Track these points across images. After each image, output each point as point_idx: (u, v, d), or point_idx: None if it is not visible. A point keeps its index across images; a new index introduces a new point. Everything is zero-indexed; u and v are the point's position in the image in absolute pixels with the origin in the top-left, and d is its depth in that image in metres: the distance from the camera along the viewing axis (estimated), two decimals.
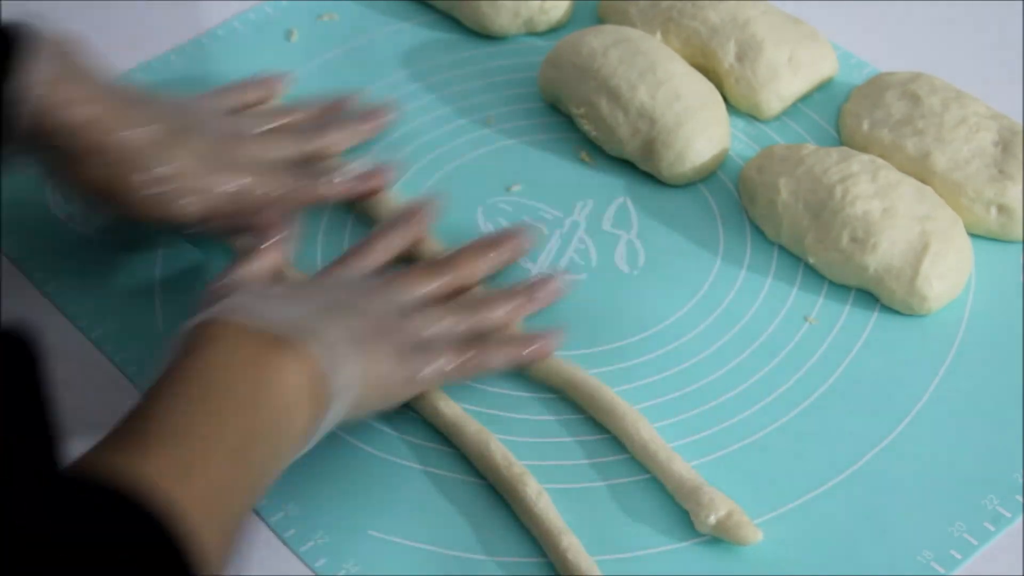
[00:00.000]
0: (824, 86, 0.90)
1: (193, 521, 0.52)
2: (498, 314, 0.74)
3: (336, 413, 0.64)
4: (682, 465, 0.68)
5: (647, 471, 0.69)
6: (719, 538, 0.66)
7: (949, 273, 0.75)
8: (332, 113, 0.86)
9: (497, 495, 0.68)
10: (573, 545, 0.65)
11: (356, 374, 0.64)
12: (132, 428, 0.57)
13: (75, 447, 0.72)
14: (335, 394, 0.63)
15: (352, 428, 0.72)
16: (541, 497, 0.67)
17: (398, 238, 0.77)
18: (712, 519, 0.65)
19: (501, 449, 0.69)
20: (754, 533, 0.65)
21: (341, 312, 0.67)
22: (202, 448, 0.56)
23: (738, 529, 0.65)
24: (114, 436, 0.57)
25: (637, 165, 0.85)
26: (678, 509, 0.67)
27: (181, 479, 0.54)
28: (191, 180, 0.75)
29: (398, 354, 0.68)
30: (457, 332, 0.72)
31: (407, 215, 0.78)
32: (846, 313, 0.77)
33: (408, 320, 0.70)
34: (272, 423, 0.60)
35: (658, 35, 0.90)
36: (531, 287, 0.76)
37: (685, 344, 0.75)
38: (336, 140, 0.84)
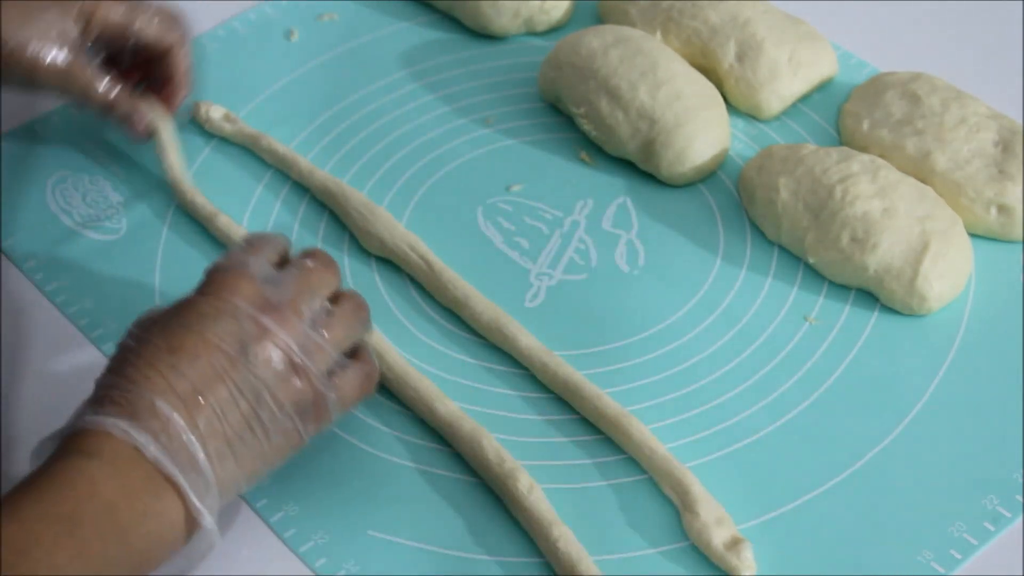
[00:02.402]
0: (824, 86, 0.90)
1: None
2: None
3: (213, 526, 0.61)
4: (677, 466, 0.68)
5: (645, 471, 0.69)
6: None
7: (949, 273, 0.75)
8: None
9: (495, 494, 0.68)
10: (564, 535, 0.65)
11: (245, 476, 0.62)
12: None
13: None
14: (214, 515, 0.60)
15: (351, 428, 0.72)
16: (532, 491, 0.67)
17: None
18: (716, 542, 0.65)
19: (494, 446, 0.69)
20: (748, 572, 0.65)
21: (241, 429, 0.62)
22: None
23: (732, 563, 0.65)
24: None
25: (637, 165, 0.85)
26: (677, 510, 0.67)
27: None
28: None
29: (300, 413, 0.64)
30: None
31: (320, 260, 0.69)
32: (846, 313, 0.77)
33: (313, 356, 0.64)
34: (140, 553, 0.58)
35: (658, 35, 0.90)
36: None
37: (685, 344, 0.75)
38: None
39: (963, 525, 0.67)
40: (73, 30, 0.80)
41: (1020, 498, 0.68)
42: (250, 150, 0.87)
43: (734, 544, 0.65)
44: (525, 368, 0.74)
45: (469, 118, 0.89)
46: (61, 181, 0.86)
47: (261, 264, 0.65)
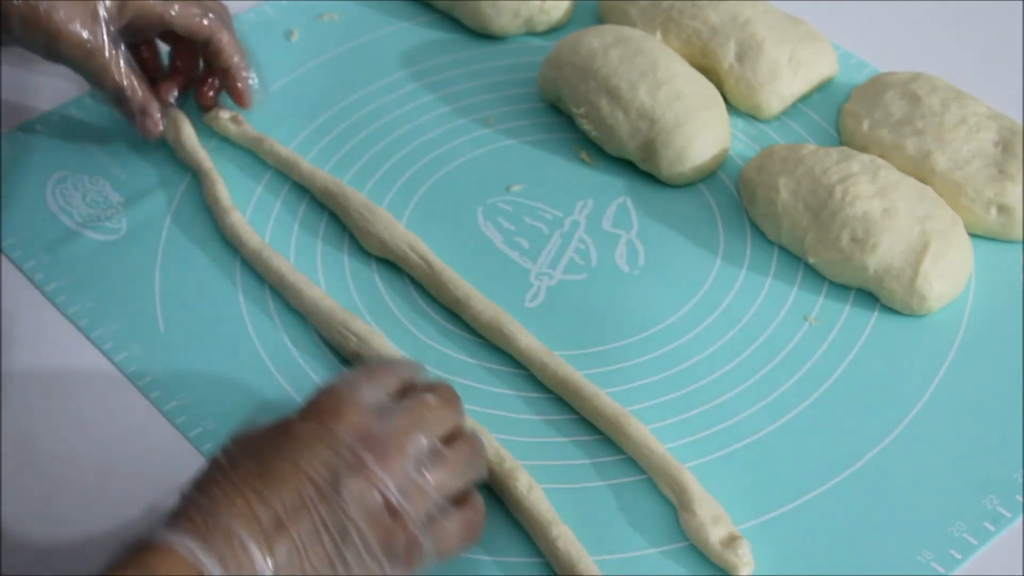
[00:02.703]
0: (824, 86, 0.90)
1: None
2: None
3: None
4: (675, 466, 0.68)
5: (644, 471, 0.69)
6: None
7: (949, 273, 0.75)
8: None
9: (495, 494, 0.68)
10: (563, 534, 0.65)
11: None
12: None
13: (74, 446, 0.72)
14: None
15: None
16: (532, 490, 0.67)
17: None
18: (713, 540, 0.65)
19: (494, 445, 0.69)
20: (745, 569, 0.65)
21: None
22: None
23: (729, 560, 0.65)
24: None
25: (637, 165, 0.85)
26: (675, 509, 0.67)
27: None
28: None
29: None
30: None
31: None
32: (846, 313, 0.77)
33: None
34: None
35: (658, 35, 0.90)
36: None
37: (685, 344, 0.75)
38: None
39: (963, 525, 0.67)
40: (107, 5, 0.80)
41: (1020, 498, 0.68)
42: (250, 151, 0.87)
43: (731, 541, 0.65)
44: (524, 368, 0.74)
45: (469, 118, 0.89)
46: (61, 181, 0.86)
47: (375, 392, 0.62)
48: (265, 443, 0.60)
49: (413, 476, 0.60)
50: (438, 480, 0.61)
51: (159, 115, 0.84)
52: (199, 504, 0.57)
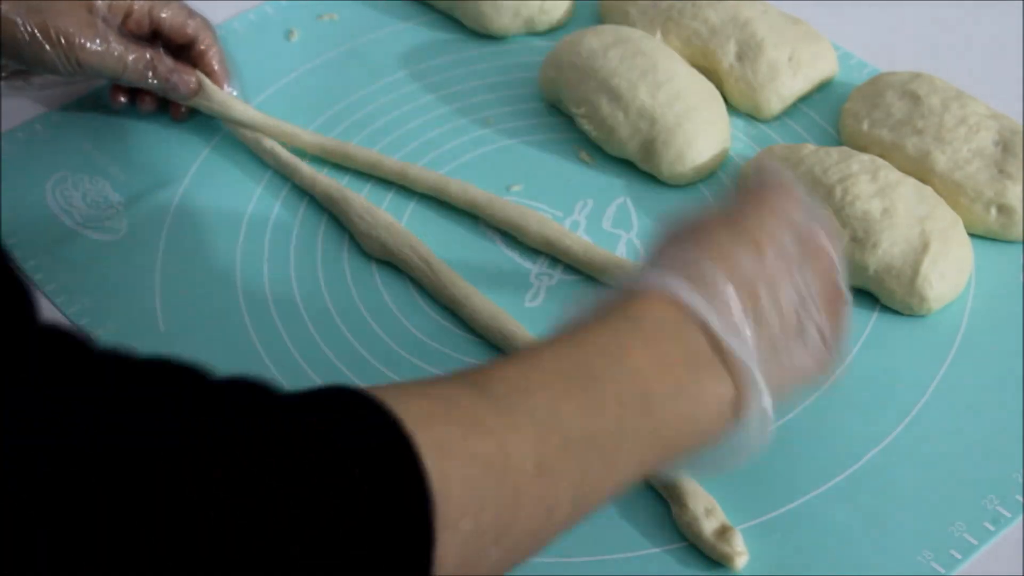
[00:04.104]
0: (824, 86, 0.90)
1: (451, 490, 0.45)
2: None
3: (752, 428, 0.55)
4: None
5: None
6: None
7: (949, 273, 0.75)
8: None
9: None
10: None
11: (775, 389, 0.56)
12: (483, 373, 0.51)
13: None
14: (756, 413, 0.55)
15: None
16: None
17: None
18: (707, 532, 0.65)
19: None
20: (740, 559, 0.65)
21: (781, 340, 0.57)
22: (547, 425, 0.49)
23: (723, 551, 0.65)
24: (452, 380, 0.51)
25: (637, 165, 0.85)
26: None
27: (478, 439, 0.47)
28: None
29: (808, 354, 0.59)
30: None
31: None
32: None
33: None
34: (666, 429, 0.53)
35: (658, 35, 0.90)
36: None
37: None
38: None
39: (963, 525, 0.67)
40: (100, 6, 0.81)
41: (1020, 498, 0.68)
42: (250, 151, 0.87)
43: (723, 532, 0.65)
44: None
45: (469, 118, 0.89)
46: (61, 181, 0.86)
47: (799, 186, 0.61)
48: (723, 221, 0.58)
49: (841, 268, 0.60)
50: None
51: (191, 77, 0.85)
52: (679, 256, 0.56)
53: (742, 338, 0.54)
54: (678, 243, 0.57)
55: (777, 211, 0.59)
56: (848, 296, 0.60)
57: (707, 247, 0.56)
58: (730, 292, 0.55)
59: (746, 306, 0.55)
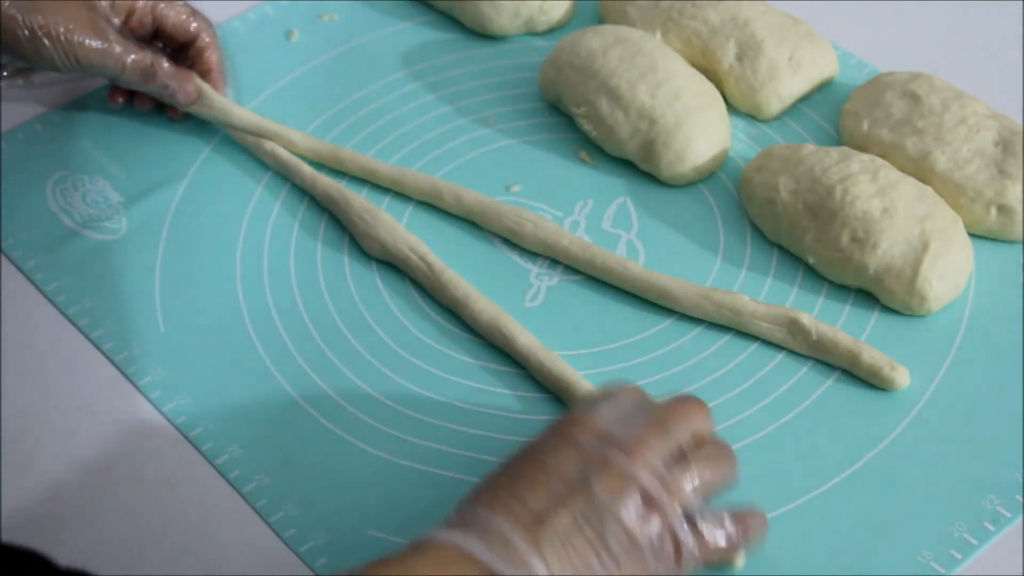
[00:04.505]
0: (824, 86, 0.90)
1: None
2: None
3: None
4: None
5: None
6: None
7: (949, 273, 0.75)
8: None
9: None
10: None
11: None
12: None
13: (76, 441, 0.72)
14: None
15: (351, 427, 0.72)
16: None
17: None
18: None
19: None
20: (739, 558, 0.65)
21: None
22: None
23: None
24: None
25: (637, 165, 0.85)
26: None
27: None
28: None
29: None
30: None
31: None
32: (846, 313, 0.77)
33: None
34: None
35: (658, 35, 0.90)
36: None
37: (685, 344, 0.75)
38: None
39: (963, 525, 0.67)
40: (102, 6, 0.81)
41: (1020, 498, 0.68)
42: (250, 151, 0.87)
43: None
44: (524, 368, 0.74)
45: (469, 118, 0.89)
46: (61, 181, 0.86)
47: (611, 406, 0.62)
48: (514, 455, 0.61)
49: (662, 471, 0.60)
50: (690, 477, 0.60)
51: (190, 85, 0.85)
52: (464, 510, 0.59)
53: (531, 566, 0.56)
54: (470, 504, 0.59)
55: (564, 437, 0.60)
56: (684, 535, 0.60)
57: (495, 491, 0.59)
58: (514, 537, 0.57)
59: (536, 544, 0.56)
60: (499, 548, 0.56)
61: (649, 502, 0.59)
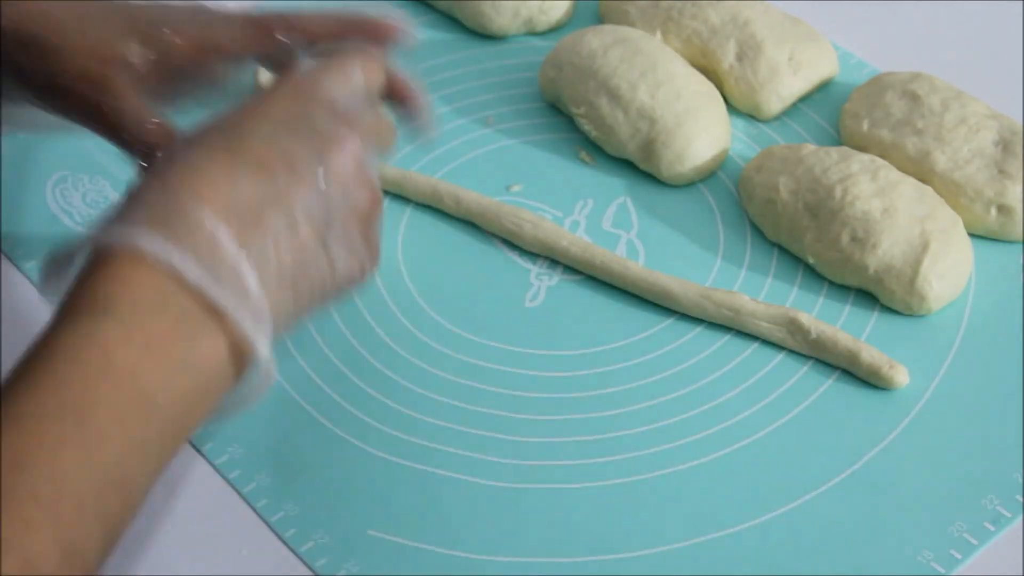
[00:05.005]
0: (824, 86, 0.90)
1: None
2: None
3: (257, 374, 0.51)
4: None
5: (644, 471, 0.69)
6: (718, 537, 0.66)
7: (949, 273, 0.75)
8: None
9: (497, 494, 0.68)
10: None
11: (304, 308, 0.54)
12: None
13: None
14: (258, 362, 0.51)
15: (352, 427, 0.72)
16: None
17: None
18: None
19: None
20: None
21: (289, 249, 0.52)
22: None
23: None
24: None
25: (637, 165, 0.85)
26: (679, 509, 0.67)
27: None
28: None
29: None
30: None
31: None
32: (846, 313, 0.77)
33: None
34: (176, 418, 0.48)
35: (658, 35, 0.90)
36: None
37: (685, 344, 0.75)
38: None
39: (963, 525, 0.67)
40: (134, 53, 0.65)
41: (1020, 498, 0.68)
42: None
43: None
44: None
45: (469, 118, 0.89)
46: (61, 181, 0.86)
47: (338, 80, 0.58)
48: (232, 120, 0.53)
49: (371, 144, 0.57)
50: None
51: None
52: (153, 192, 0.49)
53: (237, 281, 0.49)
54: (160, 178, 0.50)
55: (299, 106, 0.54)
56: (378, 191, 0.57)
57: (193, 181, 0.49)
58: (220, 230, 0.48)
59: (247, 240, 0.49)
60: (205, 255, 0.48)
61: (366, 182, 0.56)
